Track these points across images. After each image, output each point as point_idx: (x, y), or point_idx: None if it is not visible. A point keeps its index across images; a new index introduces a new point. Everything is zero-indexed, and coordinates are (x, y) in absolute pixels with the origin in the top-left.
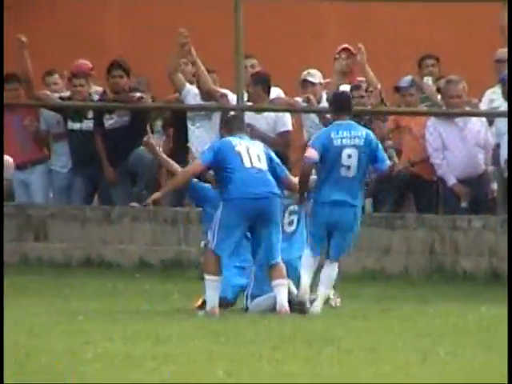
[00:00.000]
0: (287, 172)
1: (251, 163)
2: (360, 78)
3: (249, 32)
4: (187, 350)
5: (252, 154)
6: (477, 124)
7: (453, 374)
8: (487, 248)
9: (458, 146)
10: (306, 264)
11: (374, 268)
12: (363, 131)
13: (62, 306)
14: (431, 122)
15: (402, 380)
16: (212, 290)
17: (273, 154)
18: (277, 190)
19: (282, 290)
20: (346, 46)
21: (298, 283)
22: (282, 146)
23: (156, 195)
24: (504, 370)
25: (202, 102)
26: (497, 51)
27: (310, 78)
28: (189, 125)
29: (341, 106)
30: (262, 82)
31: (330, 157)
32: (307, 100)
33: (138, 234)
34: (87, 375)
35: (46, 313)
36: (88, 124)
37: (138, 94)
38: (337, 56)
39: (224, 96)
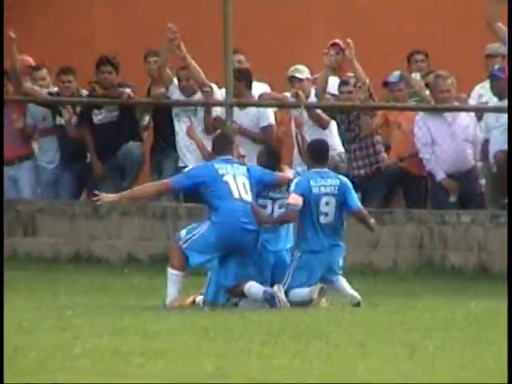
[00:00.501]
0: (274, 173)
1: (239, 195)
2: (349, 74)
3: (237, 27)
4: (176, 345)
5: (239, 183)
6: (465, 119)
7: (441, 369)
8: (476, 242)
9: (446, 141)
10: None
11: (362, 262)
12: (337, 179)
13: (50, 301)
14: (420, 116)
15: (391, 374)
16: (173, 284)
17: (255, 169)
18: (255, 226)
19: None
20: (335, 41)
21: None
22: (265, 139)
23: (110, 197)
24: (492, 363)
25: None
26: (486, 46)
27: (297, 74)
28: (174, 121)
29: (318, 155)
30: (244, 78)
31: (308, 204)
32: (296, 95)
33: (127, 229)
34: (76, 370)
35: (35, 308)
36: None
37: (128, 90)
38: (326, 51)
39: (211, 89)
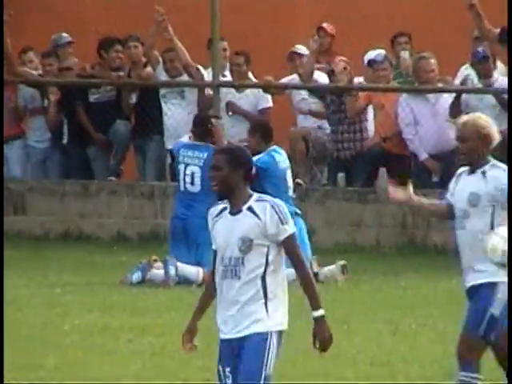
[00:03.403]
0: None
1: (185, 187)
2: (339, 57)
3: (224, 13)
4: (163, 322)
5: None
6: (448, 100)
7: (424, 345)
8: None
9: (429, 122)
10: None
11: (346, 241)
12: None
13: (40, 278)
14: (403, 97)
15: (374, 351)
16: None
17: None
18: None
19: None
20: (322, 25)
21: None
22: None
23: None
24: None
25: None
26: (474, 29)
27: (298, 50)
28: (162, 102)
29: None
30: (246, 61)
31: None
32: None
33: (116, 207)
34: (66, 346)
35: (25, 285)
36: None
37: (120, 74)
38: (314, 36)
39: (198, 71)
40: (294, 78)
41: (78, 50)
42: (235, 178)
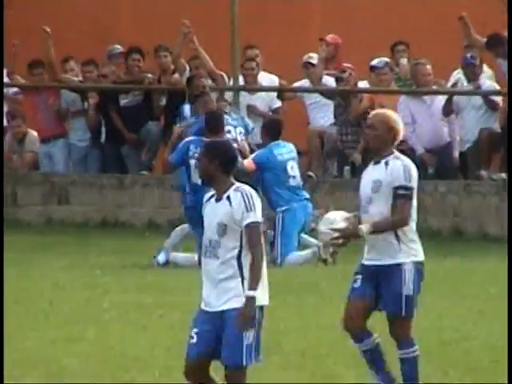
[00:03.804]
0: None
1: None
2: (346, 64)
3: (244, 23)
4: (191, 299)
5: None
6: (442, 101)
7: (421, 319)
8: (451, 209)
9: (425, 121)
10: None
11: None
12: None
13: (81, 261)
14: (402, 99)
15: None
16: None
17: None
18: None
19: None
20: (323, 38)
21: None
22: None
23: None
24: (465, 314)
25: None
26: (464, 39)
27: (311, 60)
28: None
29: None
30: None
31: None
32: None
33: (148, 198)
34: (105, 321)
35: (69, 267)
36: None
37: (149, 76)
38: (323, 46)
39: (222, 77)
40: (306, 82)
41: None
42: (211, 168)
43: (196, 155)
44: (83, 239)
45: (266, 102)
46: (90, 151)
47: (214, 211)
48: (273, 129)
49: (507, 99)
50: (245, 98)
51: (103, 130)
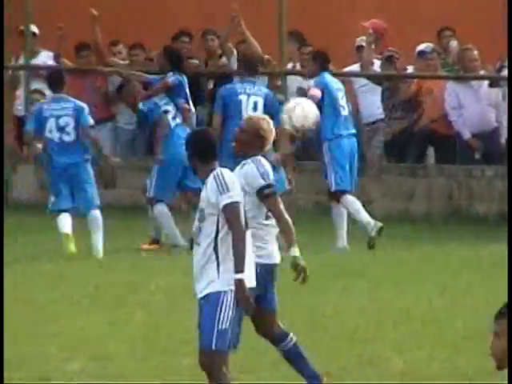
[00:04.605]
0: None
1: None
2: (391, 48)
3: (291, 9)
4: None
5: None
6: (487, 87)
7: (469, 304)
8: (498, 194)
9: (472, 105)
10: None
11: (400, 212)
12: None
13: (128, 244)
14: (449, 84)
15: (425, 310)
16: None
17: None
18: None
19: None
20: (362, 24)
21: None
22: None
23: None
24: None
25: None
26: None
27: (363, 43)
28: None
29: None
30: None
31: None
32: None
33: None
34: (151, 304)
35: (114, 250)
36: None
37: (195, 61)
38: (369, 30)
39: (270, 61)
40: (357, 66)
41: (162, 42)
42: (191, 160)
43: None
44: (130, 222)
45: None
46: (137, 134)
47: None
48: (321, 58)
49: (508, 99)
50: (294, 81)
51: None
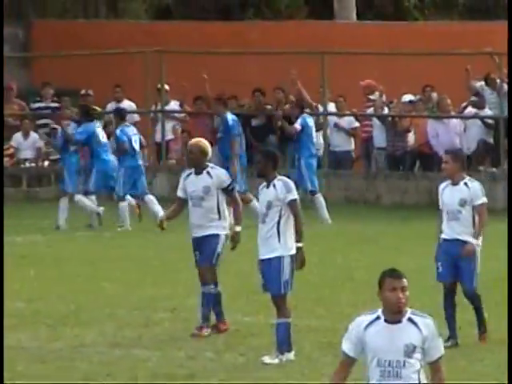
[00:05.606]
0: None
1: None
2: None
3: (331, 70)
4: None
5: None
6: (455, 122)
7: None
8: None
9: (444, 134)
10: None
11: (397, 202)
12: None
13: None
14: (430, 121)
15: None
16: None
17: None
18: None
19: None
20: (365, 83)
21: None
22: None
23: None
24: None
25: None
26: (473, 82)
27: (372, 97)
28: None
29: None
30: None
31: None
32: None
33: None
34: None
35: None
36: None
37: (269, 107)
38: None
39: (316, 106)
40: (371, 110)
41: (240, 96)
42: (266, 165)
43: None
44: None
45: (347, 122)
46: None
47: None
48: (300, 103)
49: (508, 98)
50: (332, 120)
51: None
